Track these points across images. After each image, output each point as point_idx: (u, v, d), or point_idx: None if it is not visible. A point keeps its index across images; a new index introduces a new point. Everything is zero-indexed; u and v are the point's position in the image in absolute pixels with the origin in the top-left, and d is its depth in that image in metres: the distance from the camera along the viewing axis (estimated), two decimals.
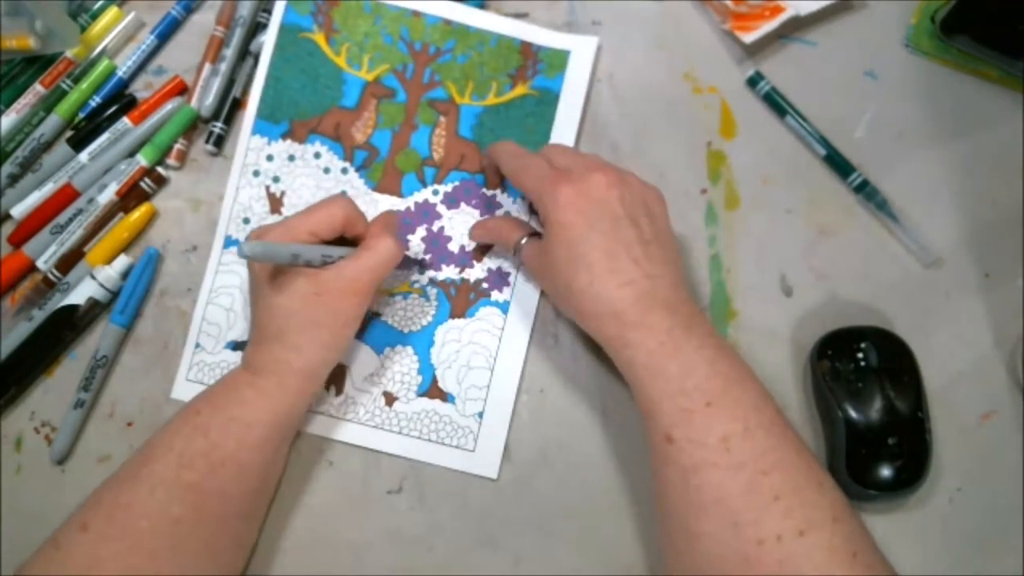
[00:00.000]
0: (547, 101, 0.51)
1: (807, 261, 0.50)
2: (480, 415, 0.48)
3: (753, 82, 0.52)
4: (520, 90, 0.51)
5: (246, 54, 0.53)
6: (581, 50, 0.52)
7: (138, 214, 0.50)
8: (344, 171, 0.51)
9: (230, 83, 0.52)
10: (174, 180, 0.52)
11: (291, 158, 0.51)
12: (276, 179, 0.51)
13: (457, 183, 0.51)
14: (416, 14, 0.51)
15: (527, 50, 0.52)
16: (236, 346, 0.49)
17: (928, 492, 0.47)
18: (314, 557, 0.47)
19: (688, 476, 0.38)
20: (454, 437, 0.48)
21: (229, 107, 0.52)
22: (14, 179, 0.51)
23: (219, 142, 0.52)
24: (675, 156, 0.51)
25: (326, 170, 0.51)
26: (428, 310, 0.49)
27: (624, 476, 0.48)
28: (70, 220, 0.50)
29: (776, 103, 0.52)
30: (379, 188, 0.51)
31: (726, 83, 0.53)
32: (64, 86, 0.52)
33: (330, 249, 0.43)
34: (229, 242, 0.50)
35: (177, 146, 0.51)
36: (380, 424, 0.48)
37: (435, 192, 0.51)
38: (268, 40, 0.51)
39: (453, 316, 0.49)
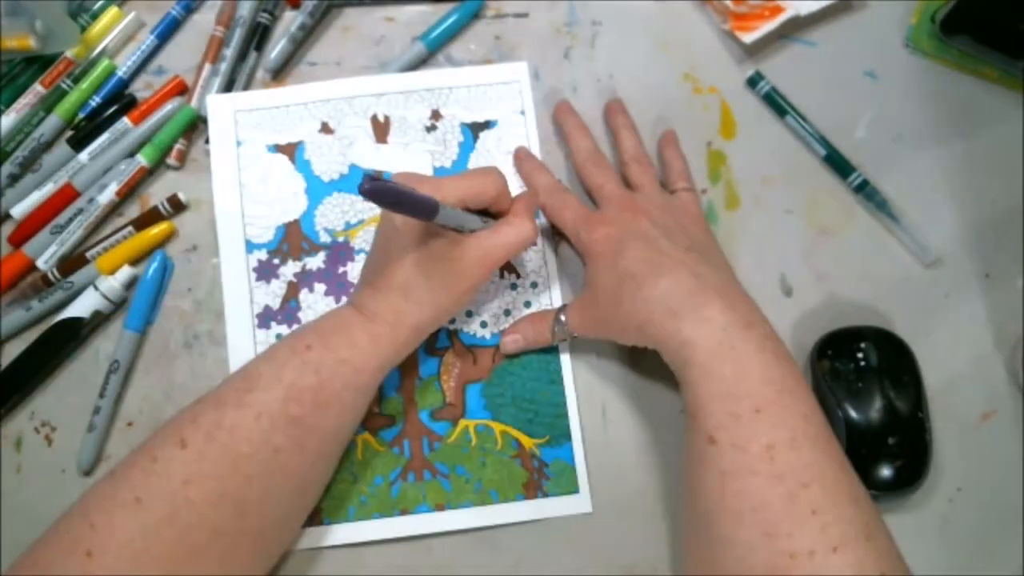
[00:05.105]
0: None
1: (807, 261, 0.50)
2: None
3: (753, 82, 0.52)
4: None
5: (246, 54, 0.53)
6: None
7: (158, 230, 0.50)
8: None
9: (230, 83, 0.52)
10: (174, 180, 0.52)
11: None
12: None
13: None
14: None
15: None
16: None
17: (928, 492, 0.47)
18: (314, 557, 0.47)
19: (727, 480, 0.37)
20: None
21: None
22: (14, 179, 0.51)
23: None
24: None
25: None
26: None
27: (624, 475, 0.48)
28: (70, 220, 0.50)
29: (776, 103, 0.52)
30: None
31: (726, 83, 0.53)
32: (64, 86, 0.52)
33: (476, 220, 0.43)
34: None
35: (177, 146, 0.51)
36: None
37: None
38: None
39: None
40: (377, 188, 0.35)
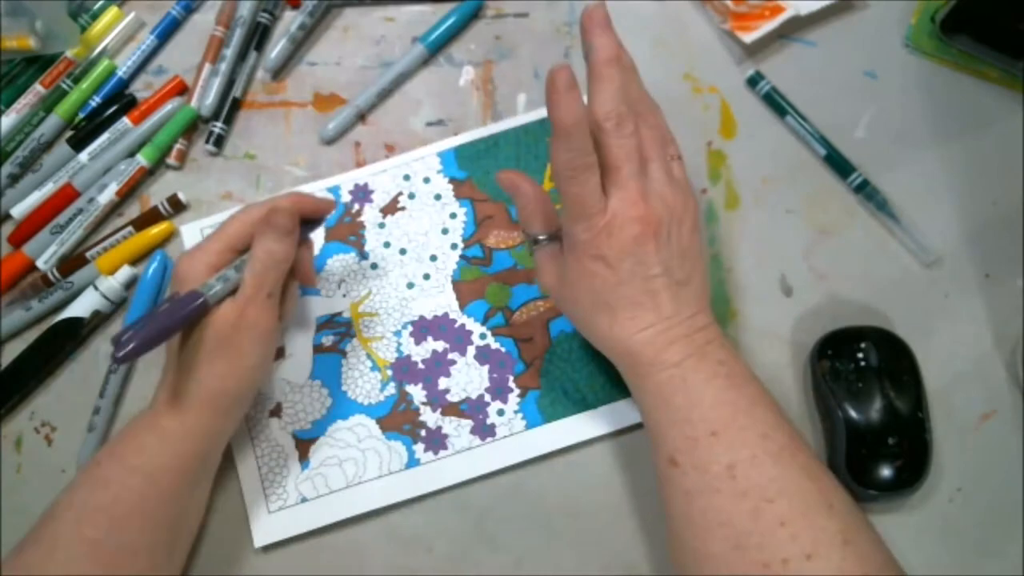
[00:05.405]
0: None
1: (807, 261, 0.50)
2: None
3: (753, 82, 0.52)
4: None
5: (246, 54, 0.53)
6: None
7: (157, 230, 0.50)
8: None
9: (230, 83, 0.52)
10: (174, 180, 0.52)
11: None
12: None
13: None
14: None
15: None
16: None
17: (928, 492, 0.47)
18: (314, 557, 0.47)
19: (692, 499, 0.38)
20: None
21: (229, 107, 0.52)
22: (14, 179, 0.51)
23: (219, 142, 0.52)
24: None
25: None
26: None
27: (625, 475, 0.48)
28: (70, 220, 0.50)
29: (776, 103, 0.52)
30: None
31: (726, 83, 0.53)
32: (64, 86, 0.52)
33: (209, 286, 0.40)
34: None
35: (177, 146, 0.51)
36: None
37: None
38: None
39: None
40: (127, 353, 0.36)
